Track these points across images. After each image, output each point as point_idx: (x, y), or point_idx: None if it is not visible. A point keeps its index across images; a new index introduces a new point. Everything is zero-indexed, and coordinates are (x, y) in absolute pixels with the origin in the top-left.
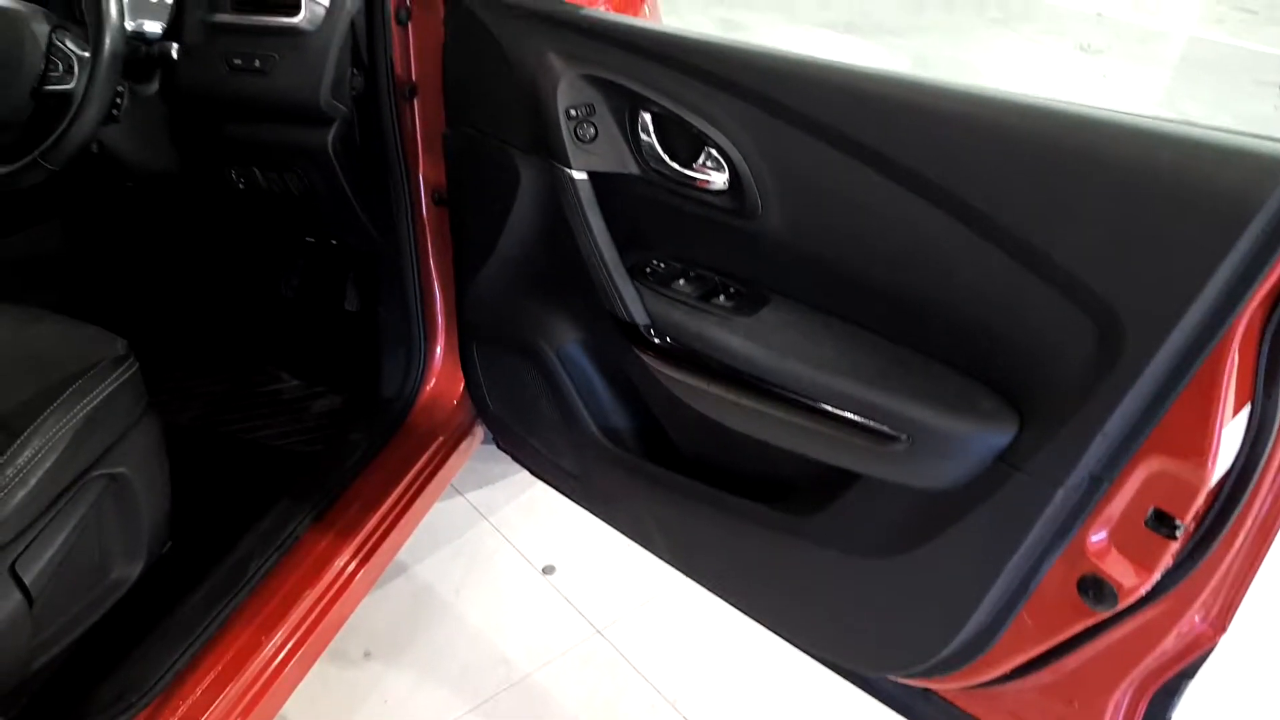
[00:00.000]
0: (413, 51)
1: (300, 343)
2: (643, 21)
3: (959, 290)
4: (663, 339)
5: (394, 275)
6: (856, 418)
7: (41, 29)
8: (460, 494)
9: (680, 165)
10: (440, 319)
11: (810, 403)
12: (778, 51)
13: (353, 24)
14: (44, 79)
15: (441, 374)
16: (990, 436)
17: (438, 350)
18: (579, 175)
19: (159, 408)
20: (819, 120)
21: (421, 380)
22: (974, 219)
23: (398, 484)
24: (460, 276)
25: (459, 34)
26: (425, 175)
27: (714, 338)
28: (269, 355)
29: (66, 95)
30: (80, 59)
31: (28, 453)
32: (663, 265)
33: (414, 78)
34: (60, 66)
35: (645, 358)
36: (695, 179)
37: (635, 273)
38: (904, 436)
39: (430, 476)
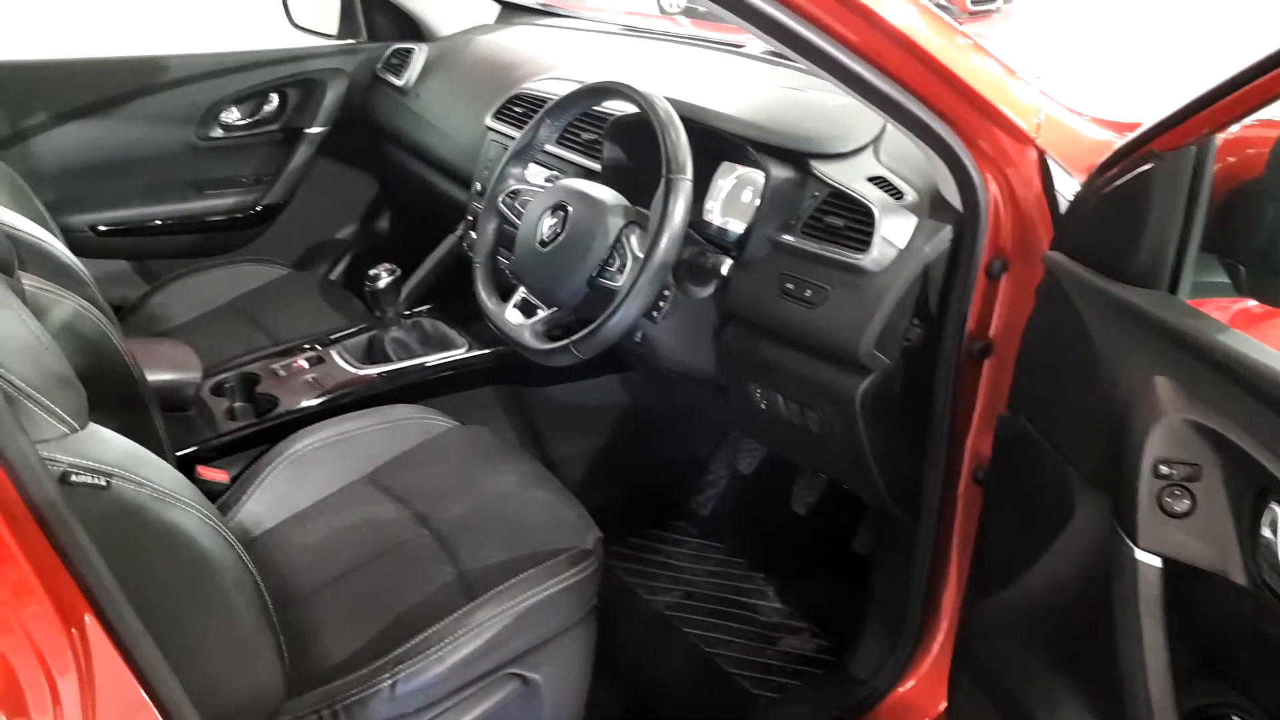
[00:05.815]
0: (998, 308)
1: (798, 564)
2: None
3: None
4: None
5: (905, 544)
6: None
7: (616, 223)
8: None
9: None
10: (945, 616)
11: None
12: None
13: (925, 270)
14: (601, 270)
15: (925, 678)
16: None
17: (931, 650)
18: (1147, 559)
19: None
20: None
21: (900, 677)
22: None
23: None
24: (974, 584)
25: (1047, 310)
26: (974, 446)
27: None
28: (767, 564)
29: (613, 292)
30: (637, 260)
31: (460, 628)
32: None
33: (991, 336)
34: (618, 262)
35: None
36: None
37: None
38: None
39: None
